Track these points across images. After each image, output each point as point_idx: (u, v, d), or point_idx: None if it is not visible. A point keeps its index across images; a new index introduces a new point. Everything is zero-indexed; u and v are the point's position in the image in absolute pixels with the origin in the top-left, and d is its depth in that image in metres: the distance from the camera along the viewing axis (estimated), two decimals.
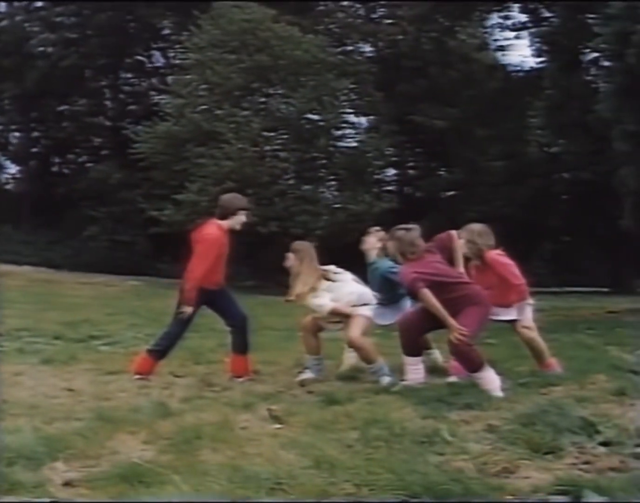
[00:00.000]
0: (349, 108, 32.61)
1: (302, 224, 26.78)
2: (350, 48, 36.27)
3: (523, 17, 33.25)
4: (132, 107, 39.58)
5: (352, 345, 6.44)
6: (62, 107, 38.61)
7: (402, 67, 35.18)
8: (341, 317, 6.52)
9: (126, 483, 3.42)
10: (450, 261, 6.19)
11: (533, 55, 33.79)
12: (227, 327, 6.82)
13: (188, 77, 29.04)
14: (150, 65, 40.54)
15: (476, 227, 6.50)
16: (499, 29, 36.17)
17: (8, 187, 40.81)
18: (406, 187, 38.54)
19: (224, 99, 27.86)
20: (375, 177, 32.03)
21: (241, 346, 6.67)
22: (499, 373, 5.68)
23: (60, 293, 19.32)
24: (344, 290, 6.56)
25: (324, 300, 6.45)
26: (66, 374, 6.75)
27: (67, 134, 37.60)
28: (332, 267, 6.72)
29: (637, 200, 15.56)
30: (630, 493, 3.22)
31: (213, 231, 6.60)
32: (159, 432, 4.40)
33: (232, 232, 6.72)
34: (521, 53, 55.18)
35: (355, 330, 6.34)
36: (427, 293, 5.70)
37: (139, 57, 40.30)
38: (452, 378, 5.97)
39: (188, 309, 6.46)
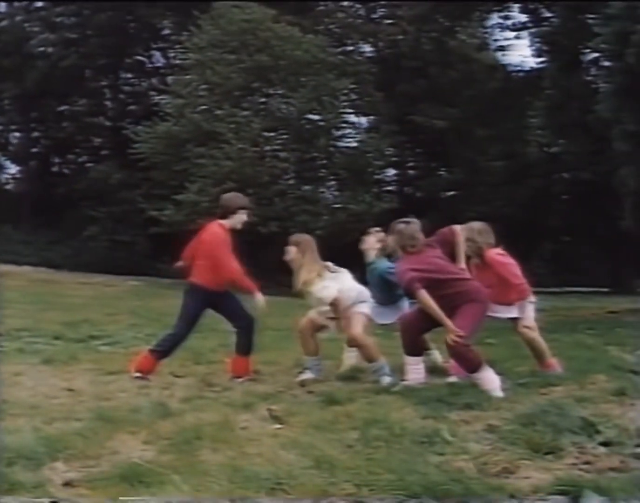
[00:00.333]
0: (349, 108, 32.60)
1: (302, 224, 26.72)
2: (350, 48, 36.26)
3: (523, 17, 33.26)
4: (132, 107, 39.55)
5: (354, 342, 6.43)
6: (62, 107, 38.58)
7: (402, 67, 35.17)
8: (339, 313, 6.51)
9: (126, 483, 3.42)
10: (452, 256, 6.18)
11: (533, 55, 33.83)
12: (234, 329, 6.82)
13: (188, 77, 29.03)
14: (150, 65, 40.51)
15: (476, 225, 6.49)
16: (499, 29, 36.19)
17: (8, 187, 40.76)
18: (406, 187, 38.52)
19: (224, 99, 27.86)
20: (376, 177, 32.01)
21: (244, 347, 6.67)
22: (498, 373, 5.68)
23: (60, 294, 19.30)
24: (345, 284, 6.57)
25: (331, 286, 6.46)
26: (66, 374, 6.74)
27: (67, 134, 37.57)
28: (330, 264, 6.73)
29: (637, 200, 15.56)
30: (630, 493, 3.22)
31: (217, 230, 6.61)
32: (159, 432, 4.40)
33: (233, 231, 6.72)
34: (521, 53, 55.23)
35: (357, 327, 6.35)
36: (423, 294, 5.69)
37: (139, 57, 40.27)
38: (452, 379, 5.97)
39: (259, 296, 6.56)
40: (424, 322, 5.94)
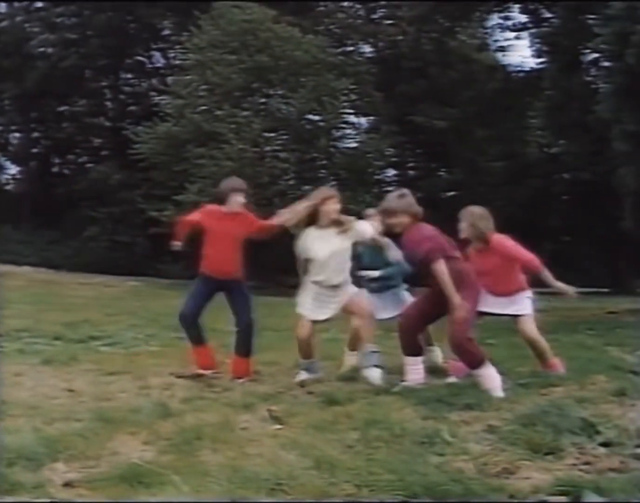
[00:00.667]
0: (349, 108, 32.58)
1: None
2: (350, 48, 36.25)
3: (523, 18, 33.27)
4: (132, 107, 39.58)
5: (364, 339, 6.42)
6: (62, 108, 38.64)
7: (402, 68, 35.18)
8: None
9: (126, 484, 3.42)
10: None
11: (533, 56, 33.83)
12: (235, 327, 6.84)
13: (188, 77, 29.03)
14: (150, 65, 40.55)
15: (477, 210, 6.40)
16: (499, 30, 36.20)
17: (8, 187, 40.80)
18: (406, 187, 38.38)
19: (224, 99, 27.86)
20: (376, 177, 32.01)
21: (243, 348, 6.68)
22: (499, 373, 5.67)
23: (60, 294, 19.31)
24: None
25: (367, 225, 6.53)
26: (66, 375, 6.74)
27: (67, 134, 37.62)
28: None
29: (637, 200, 15.57)
30: (630, 494, 3.22)
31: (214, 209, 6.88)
32: (159, 433, 4.40)
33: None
34: (521, 54, 55.26)
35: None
36: (442, 265, 5.59)
37: (139, 58, 40.31)
38: (452, 379, 5.97)
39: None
40: (424, 318, 5.93)
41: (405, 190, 6.15)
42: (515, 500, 3.24)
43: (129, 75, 41.02)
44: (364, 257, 7.07)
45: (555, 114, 26.82)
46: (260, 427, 4.63)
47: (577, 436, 4.08)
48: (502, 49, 36.83)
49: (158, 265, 31.68)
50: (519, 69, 34.85)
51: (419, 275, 6.07)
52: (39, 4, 37.80)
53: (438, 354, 6.98)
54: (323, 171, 30.33)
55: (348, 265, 6.47)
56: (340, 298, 6.37)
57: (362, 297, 6.53)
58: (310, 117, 29.27)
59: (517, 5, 32.24)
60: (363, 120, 35.35)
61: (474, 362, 5.56)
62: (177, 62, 32.18)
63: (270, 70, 28.21)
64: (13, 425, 4.50)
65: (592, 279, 33.39)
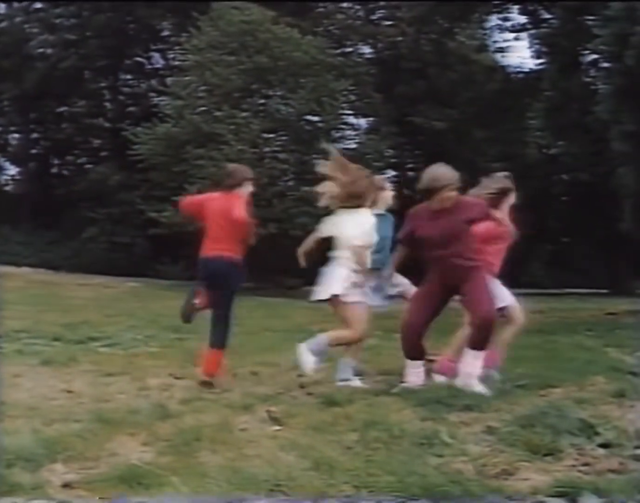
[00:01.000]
0: (349, 109, 32.57)
1: (302, 225, 26.68)
2: (349, 49, 36.27)
3: (522, 19, 33.28)
4: (131, 108, 39.53)
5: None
6: (61, 109, 38.59)
7: (402, 69, 35.18)
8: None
9: (125, 485, 3.42)
10: None
11: (532, 57, 33.89)
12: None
13: (187, 78, 29.00)
14: (149, 66, 40.52)
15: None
16: (498, 31, 36.21)
17: (7, 188, 40.76)
18: (406, 188, 38.52)
19: (223, 100, 27.84)
20: None
21: (218, 338, 6.50)
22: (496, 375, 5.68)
23: (59, 295, 19.30)
24: None
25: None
26: (65, 376, 6.74)
27: (66, 135, 37.58)
28: None
29: (636, 201, 15.57)
30: (629, 495, 3.22)
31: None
32: (158, 434, 4.40)
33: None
34: (520, 54, 55.15)
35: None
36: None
37: (139, 59, 40.27)
38: (440, 378, 5.97)
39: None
40: (426, 323, 5.92)
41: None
42: (514, 501, 3.24)
43: (128, 76, 40.98)
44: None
45: (554, 114, 26.83)
46: (259, 428, 4.63)
47: (576, 437, 4.08)
48: (502, 49, 36.89)
49: (157, 266, 31.67)
50: (518, 69, 34.94)
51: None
52: (38, 5, 37.76)
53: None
54: None
55: None
56: None
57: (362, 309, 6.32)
58: (310, 118, 29.27)
59: (517, 6, 32.27)
60: (362, 121, 35.37)
61: (487, 343, 5.67)
62: (176, 63, 32.14)
63: (270, 71, 28.20)
64: (12, 426, 4.50)
65: (591, 280, 33.43)
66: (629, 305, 17.38)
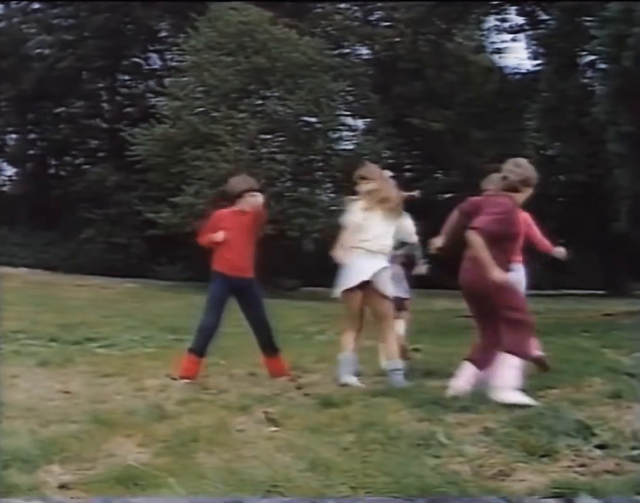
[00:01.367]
0: (346, 110, 32.62)
1: (299, 226, 26.79)
2: (347, 50, 36.31)
3: (520, 20, 33.33)
4: (128, 109, 39.54)
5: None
6: (58, 109, 38.59)
7: (399, 70, 35.23)
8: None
9: (122, 486, 3.41)
10: None
11: (529, 58, 33.86)
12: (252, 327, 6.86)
13: (185, 79, 29.03)
14: (147, 67, 40.52)
15: None
16: (495, 32, 36.27)
17: (4, 189, 40.76)
18: (403, 189, 38.50)
19: (220, 101, 27.86)
20: None
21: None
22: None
23: (56, 296, 19.30)
24: None
25: None
26: (62, 376, 6.74)
27: (63, 136, 37.57)
28: None
29: (633, 202, 15.59)
30: (626, 496, 3.22)
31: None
32: (154, 435, 4.40)
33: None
34: (518, 56, 55.29)
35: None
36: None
37: (136, 59, 40.27)
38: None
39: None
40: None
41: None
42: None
43: (126, 77, 40.99)
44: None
45: (551, 115, 26.84)
46: (256, 429, 4.62)
47: (573, 438, 4.08)
48: (499, 51, 37.02)
49: (155, 267, 31.66)
50: (515, 71, 35.00)
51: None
52: (36, 5, 37.76)
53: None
54: (320, 173, 30.35)
55: None
56: None
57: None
58: (307, 119, 29.28)
59: (514, 8, 32.29)
60: (360, 122, 35.42)
61: (525, 350, 5.26)
62: (174, 63, 32.17)
63: (267, 72, 28.22)
64: (8, 427, 4.49)
65: (588, 281, 33.45)
66: (625, 306, 17.41)
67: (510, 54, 48.99)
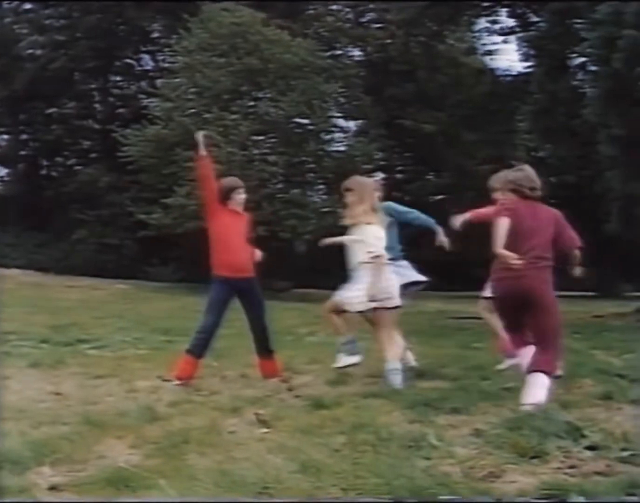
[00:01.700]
0: (338, 112, 32.62)
1: (291, 227, 26.78)
2: (339, 52, 36.29)
3: (511, 22, 33.34)
4: (121, 110, 39.44)
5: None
6: (51, 110, 38.45)
7: (391, 71, 35.27)
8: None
9: (113, 487, 3.42)
10: None
11: (520, 60, 33.90)
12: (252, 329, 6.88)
13: (177, 80, 28.97)
14: (139, 68, 40.43)
15: None
16: (487, 34, 36.28)
17: None
18: (395, 191, 38.55)
19: (212, 102, 27.82)
20: None
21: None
22: (485, 378, 5.68)
23: (48, 297, 19.26)
24: None
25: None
26: (53, 378, 6.73)
27: (55, 136, 37.43)
28: None
29: (623, 204, 15.66)
30: (615, 497, 3.24)
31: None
32: (146, 437, 4.40)
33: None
34: (509, 57, 55.32)
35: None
36: None
37: (128, 60, 40.17)
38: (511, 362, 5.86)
39: None
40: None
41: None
42: None
43: (118, 78, 40.88)
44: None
45: (541, 117, 26.87)
46: (247, 430, 4.63)
47: (563, 440, 4.10)
48: (490, 52, 37.04)
49: (147, 268, 31.59)
50: (506, 72, 34.99)
51: None
52: (28, 6, 37.64)
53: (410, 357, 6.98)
54: (311, 174, 30.34)
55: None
56: None
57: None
58: (299, 120, 29.26)
59: (505, 10, 32.35)
60: (352, 124, 35.46)
61: (551, 366, 5.13)
62: (166, 64, 32.10)
63: (259, 73, 28.20)
64: None
65: (578, 283, 33.46)
66: (616, 307, 17.49)
67: (501, 56, 49.09)
